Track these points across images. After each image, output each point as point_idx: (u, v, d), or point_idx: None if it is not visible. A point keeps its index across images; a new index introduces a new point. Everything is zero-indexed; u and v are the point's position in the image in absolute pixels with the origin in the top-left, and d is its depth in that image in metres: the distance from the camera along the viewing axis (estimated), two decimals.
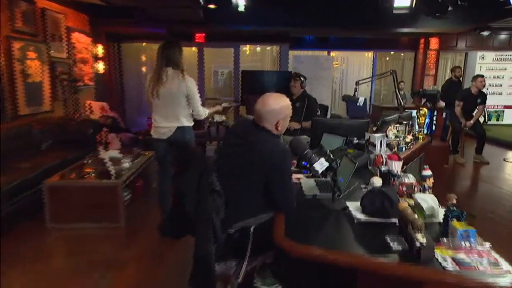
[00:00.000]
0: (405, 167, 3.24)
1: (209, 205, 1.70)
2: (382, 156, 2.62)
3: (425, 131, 4.04)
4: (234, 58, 8.20)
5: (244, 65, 8.15)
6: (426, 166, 2.25)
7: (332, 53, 9.42)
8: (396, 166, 2.48)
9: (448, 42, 8.42)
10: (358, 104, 3.93)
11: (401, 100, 3.95)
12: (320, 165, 2.15)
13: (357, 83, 3.95)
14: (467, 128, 5.91)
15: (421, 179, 2.21)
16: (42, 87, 5.00)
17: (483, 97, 5.84)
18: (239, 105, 6.03)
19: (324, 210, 2.01)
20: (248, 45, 8.28)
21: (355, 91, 3.97)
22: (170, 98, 2.96)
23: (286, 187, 1.93)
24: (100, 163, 3.60)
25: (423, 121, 4.05)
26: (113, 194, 3.29)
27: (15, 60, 4.43)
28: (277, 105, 1.99)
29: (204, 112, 3.13)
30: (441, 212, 1.81)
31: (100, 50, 6.73)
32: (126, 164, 3.68)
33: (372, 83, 8.96)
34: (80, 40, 6.00)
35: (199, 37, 7.87)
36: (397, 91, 3.90)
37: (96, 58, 6.70)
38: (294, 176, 2.39)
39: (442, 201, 1.91)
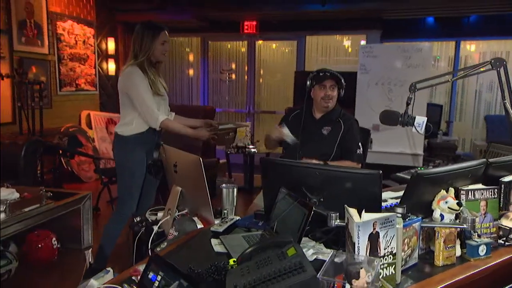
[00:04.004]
0: None
1: None
2: None
3: None
4: (297, 55, 6.82)
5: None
6: None
7: (467, 45, 7.15)
8: None
9: None
10: (413, 130, 2.19)
11: None
12: None
13: (412, 88, 2.20)
14: None
15: None
16: None
17: None
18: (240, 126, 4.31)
19: None
20: (317, 36, 6.80)
21: (407, 104, 2.23)
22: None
23: None
24: None
25: None
26: None
27: None
28: None
29: (154, 120, 2.53)
30: None
31: (111, 45, 6.20)
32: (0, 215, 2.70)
33: None
34: (74, 31, 5.51)
35: (249, 26, 6.76)
36: (506, 103, 2.03)
37: (105, 56, 6.18)
38: None
39: None
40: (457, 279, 1.35)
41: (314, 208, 1.47)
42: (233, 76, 7.30)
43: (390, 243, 1.24)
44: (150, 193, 2.72)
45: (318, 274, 1.03)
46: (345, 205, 1.31)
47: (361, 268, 0.99)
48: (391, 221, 1.23)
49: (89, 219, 3.35)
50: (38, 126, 4.49)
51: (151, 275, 1.21)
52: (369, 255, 1.19)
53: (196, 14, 6.20)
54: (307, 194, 1.59)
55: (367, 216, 1.23)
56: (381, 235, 1.21)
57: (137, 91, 2.52)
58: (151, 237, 1.88)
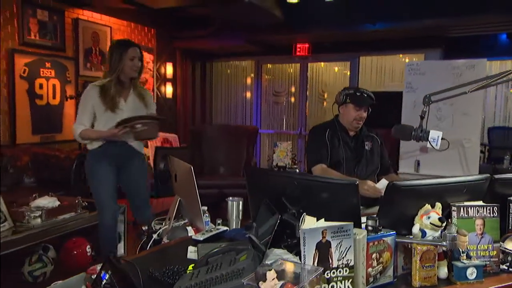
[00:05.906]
0: None
1: None
2: None
3: None
4: (350, 76, 6.69)
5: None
6: None
7: None
8: None
9: None
10: (428, 145, 2.02)
11: None
12: None
13: (426, 100, 2.05)
14: None
15: None
16: (61, 111, 4.99)
17: None
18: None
19: None
20: (371, 57, 6.61)
21: (421, 117, 2.08)
22: None
23: None
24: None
25: None
26: None
27: (18, 77, 4.49)
28: None
29: (75, 134, 2.73)
30: None
31: (169, 69, 6.56)
32: (36, 220, 2.94)
33: None
34: None
35: (301, 48, 6.78)
36: None
37: (163, 80, 6.54)
38: None
39: None
40: None
41: (286, 218, 1.43)
42: (291, 98, 7.32)
43: (346, 254, 1.15)
44: (141, 193, 2.99)
45: (244, 279, 0.99)
46: (304, 213, 1.26)
47: (270, 270, 0.93)
48: (346, 231, 1.16)
49: (123, 230, 3.52)
50: None
51: (102, 273, 1.25)
52: (319, 265, 1.12)
53: (249, 39, 6.37)
54: (286, 205, 1.54)
55: (318, 223, 1.16)
56: (333, 245, 1.14)
57: (79, 108, 2.76)
58: (149, 245, 1.93)
